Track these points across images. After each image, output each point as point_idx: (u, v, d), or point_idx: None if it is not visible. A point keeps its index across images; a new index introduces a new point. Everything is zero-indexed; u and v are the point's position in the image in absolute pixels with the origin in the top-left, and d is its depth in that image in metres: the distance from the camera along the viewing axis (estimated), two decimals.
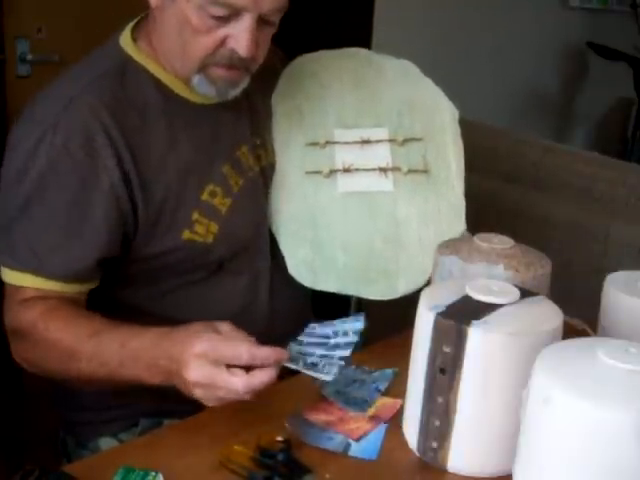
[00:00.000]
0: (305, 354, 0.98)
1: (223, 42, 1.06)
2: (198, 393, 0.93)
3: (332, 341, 1.01)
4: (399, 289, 1.20)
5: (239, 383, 0.91)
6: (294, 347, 0.99)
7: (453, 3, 3.09)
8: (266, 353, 0.92)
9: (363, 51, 1.33)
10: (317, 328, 1.04)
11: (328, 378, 0.95)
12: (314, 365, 0.96)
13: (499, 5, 3.29)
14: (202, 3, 1.03)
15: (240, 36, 1.05)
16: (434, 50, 2.98)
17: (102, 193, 1.06)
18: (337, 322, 1.04)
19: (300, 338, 1.02)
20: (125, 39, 1.15)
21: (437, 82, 1.26)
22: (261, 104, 1.26)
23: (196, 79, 1.11)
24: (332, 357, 0.97)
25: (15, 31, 2.09)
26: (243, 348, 0.91)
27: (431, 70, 1.26)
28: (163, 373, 0.97)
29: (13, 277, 1.08)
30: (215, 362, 0.92)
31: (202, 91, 1.12)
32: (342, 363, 0.97)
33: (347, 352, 0.98)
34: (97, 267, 1.09)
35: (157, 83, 1.13)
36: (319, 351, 0.99)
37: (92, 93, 1.07)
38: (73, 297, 1.09)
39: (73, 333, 1.03)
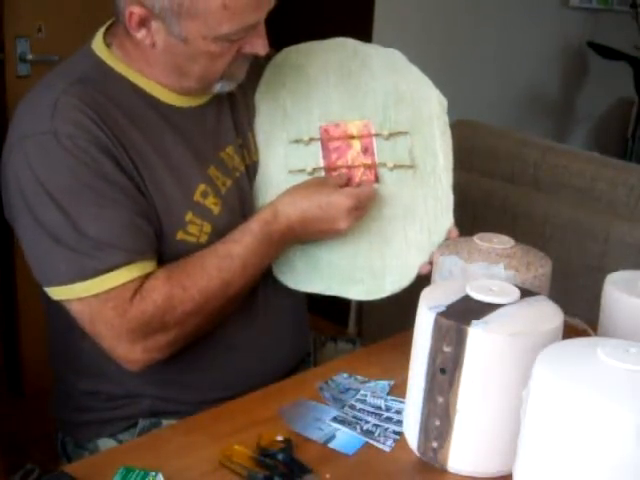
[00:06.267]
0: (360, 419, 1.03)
1: (239, 51, 1.09)
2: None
3: (385, 414, 1.04)
4: (386, 288, 1.19)
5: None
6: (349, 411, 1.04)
7: (453, 3, 3.10)
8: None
9: (350, 41, 1.28)
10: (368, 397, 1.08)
11: (386, 449, 0.98)
12: (370, 432, 1.00)
13: (499, 5, 3.29)
14: (221, 34, 1.05)
15: (256, 41, 1.10)
16: (434, 50, 2.98)
17: (123, 172, 1.05)
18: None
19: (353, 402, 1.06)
20: (98, 45, 1.13)
21: (437, 83, 1.24)
22: (242, 102, 1.24)
23: (218, 86, 1.14)
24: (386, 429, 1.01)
25: (15, 31, 2.10)
26: None
27: (431, 70, 1.25)
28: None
29: (113, 278, 1.03)
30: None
31: (223, 91, 1.16)
32: (397, 437, 0.99)
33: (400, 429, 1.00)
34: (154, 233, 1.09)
35: (135, 89, 1.12)
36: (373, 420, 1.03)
37: (73, 96, 1.05)
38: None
39: (209, 262, 1.09)
